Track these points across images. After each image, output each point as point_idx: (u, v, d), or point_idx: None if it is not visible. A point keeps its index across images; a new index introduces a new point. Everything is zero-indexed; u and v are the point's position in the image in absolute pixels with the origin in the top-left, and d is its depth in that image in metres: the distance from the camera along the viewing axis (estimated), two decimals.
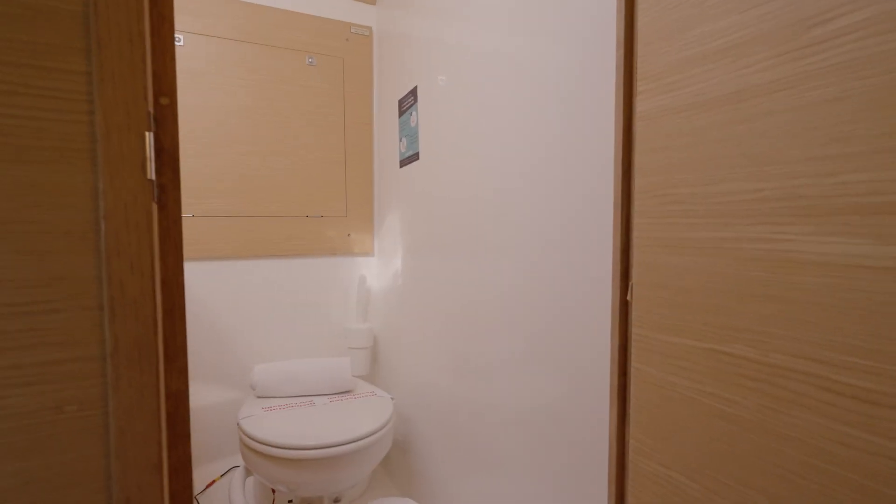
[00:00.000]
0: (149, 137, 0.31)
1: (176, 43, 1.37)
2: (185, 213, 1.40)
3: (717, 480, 0.46)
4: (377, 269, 1.69)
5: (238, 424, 1.15)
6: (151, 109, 0.32)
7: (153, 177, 0.32)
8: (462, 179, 1.10)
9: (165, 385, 0.36)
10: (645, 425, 0.54)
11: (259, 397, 1.34)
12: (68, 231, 0.30)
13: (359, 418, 1.19)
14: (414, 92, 1.37)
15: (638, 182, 0.54)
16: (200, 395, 1.45)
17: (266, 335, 1.54)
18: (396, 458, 1.51)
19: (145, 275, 0.32)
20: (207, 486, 1.39)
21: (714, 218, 0.45)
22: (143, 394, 0.32)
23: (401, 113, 1.48)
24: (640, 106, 0.53)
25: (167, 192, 0.35)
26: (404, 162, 1.45)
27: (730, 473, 0.45)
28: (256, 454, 1.10)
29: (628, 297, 0.56)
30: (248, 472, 1.19)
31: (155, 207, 0.34)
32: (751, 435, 0.43)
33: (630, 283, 0.55)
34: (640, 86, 0.53)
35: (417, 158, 1.36)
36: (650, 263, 0.52)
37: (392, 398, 1.33)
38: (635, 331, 0.55)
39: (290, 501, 1.32)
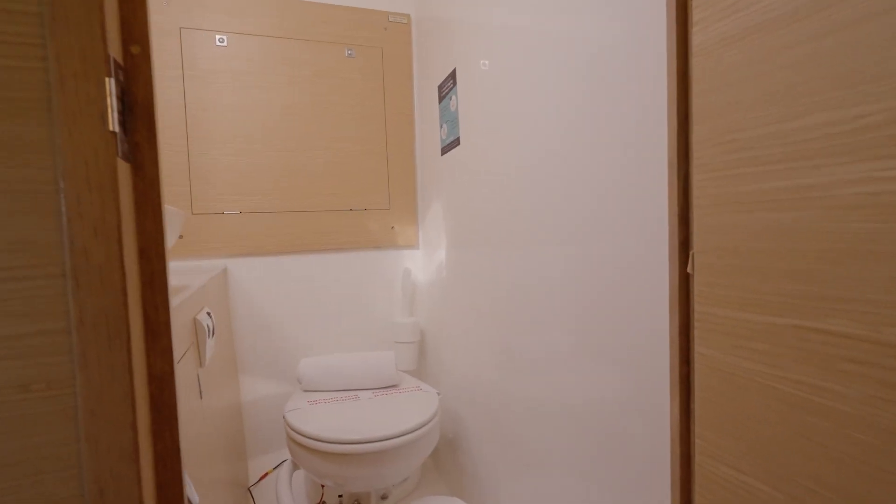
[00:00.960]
0: (110, 84, 0.28)
1: (220, 44, 1.40)
2: (232, 210, 1.43)
3: (807, 490, 0.37)
4: (422, 261, 1.65)
5: (284, 417, 1.15)
6: (116, 57, 0.29)
7: (116, 129, 0.28)
8: (504, 164, 1.03)
9: (148, 366, 0.32)
10: (713, 422, 0.45)
11: (305, 391, 1.34)
12: (27, 191, 0.27)
13: (404, 413, 1.16)
14: (453, 75, 1.32)
15: (697, 131, 0.45)
16: (252, 389, 1.48)
17: (313, 330, 1.54)
18: (446, 456, 1.46)
19: (111, 239, 0.28)
20: (260, 479, 1.41)
21: (795, 161, 0.36)
22: (113, 372, 0.29)
23: (440, 98, 1.43)
24: (696, 38, 0.44)
25: (143, 151, 0.32)
26: (445, 149, 1.40)
27: (824, 481, 0.35)
28: (302, 448, 1.09)
29: (689, 270, 0.47)
30: (295, 466, 1.19)
31: (128, 167, 0.31)
32: (853, 433, 0.33)
33: (690, 253, 0.47)
34: (696, 14, 0.44)
35: (458, 144, 1.30)
36: (714, 226, 0.43)
37: (438, 393, 1.28)
38: (699, 308, 0.46)
39: (339, 497, 1.30)
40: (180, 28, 1.37)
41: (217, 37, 1.40)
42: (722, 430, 0.44)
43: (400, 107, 1.61)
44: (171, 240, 0.74)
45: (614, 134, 0.68)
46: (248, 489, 1.38)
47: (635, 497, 0.68)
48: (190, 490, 0.43)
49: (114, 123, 0.28)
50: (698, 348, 0.46)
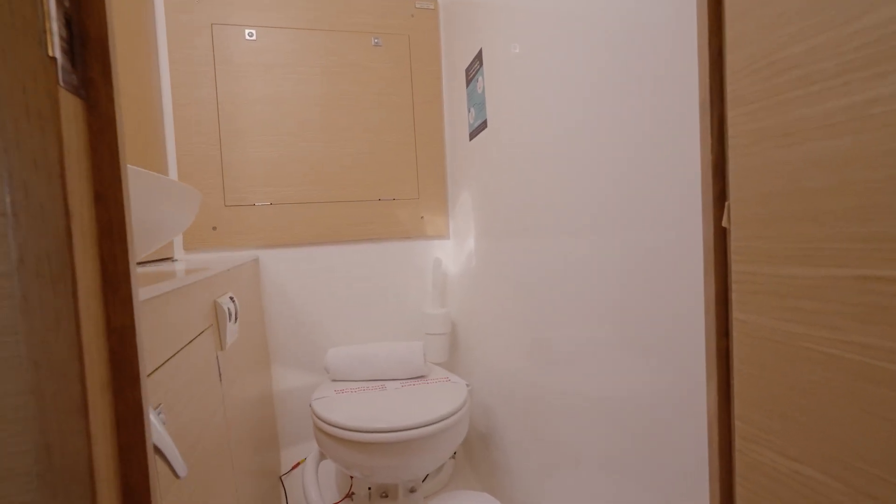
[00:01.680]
0: (48, 5, 0.26)
1: (249, 38, 1.42)
2: (263, 201, 1.44)
3: (873, 479, 0.30)
4: (453, 251, 1.61)
5: (310, 406, 1.14)
6: None
7: (57, 55, 0.26)
8: (532, 147, 0.98)
9: (107, 318, 0.30)
10: (756, 401, 0.38)
11: (333, 381, 1.33)
12: None
13: (431, 403, 1.12)
14: (479, 56, 1.27)
15: (731, 61, 0.39)
16: (284, 379, 1.49)
17: (343, 321, 1.53)
18: (479, 451, 1.41)
19: (53, 175, 0.26)
20: (292, 469, 1.41)
21: (853, 73, 0.29)
22: (59, 320, 0.26)
23: (468, 82, 1.39)
24: None
25: (97, 88, 0.30)
26: (473, 133, 1.36)
27: None
28: (328, 437, 1.07)
29: (724, 223, 0.40)
30: (322, 456, 1.18)
31: (79, 103, 0.29)
32: None
33: (726, 204, 0.40)
34: None
35: (486, 126, 1.26)
36: (754, 168, 0.37)
37: (468, 385, 1.24)
38: (737, 268, 0.39)
39: (369, 489, 1.28)
40: (212, 24, 1.40)
41: (246, 31, 1.42)
42: (767, 409, 0.37)
43: (428, 94, 1.58)
44: (186, 218, 0.73)
45: (648, 114, 0.61)
46: (280, 478, 1.39)
47: (676, 496, 0.61)
48: (175, 461, 0.41)
49: (53, 49, 0.26)
50: (737, 315, 0.40)
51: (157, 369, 0.54)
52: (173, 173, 1.38)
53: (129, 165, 0.56)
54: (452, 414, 1.08)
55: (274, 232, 1.45)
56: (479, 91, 1.29)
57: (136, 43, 1.20)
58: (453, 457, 1.44)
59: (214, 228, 1.40)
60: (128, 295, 0.30)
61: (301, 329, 1.50)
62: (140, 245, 0.64)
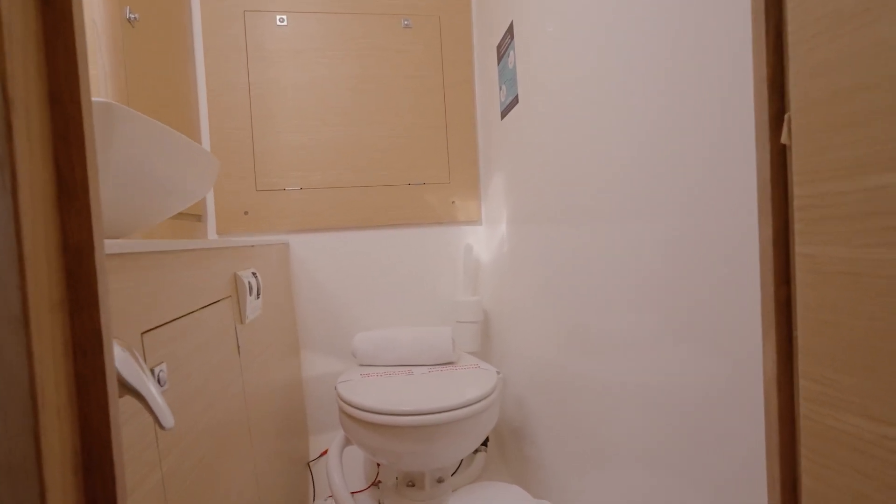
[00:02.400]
0: None
1: (280, 24, 1.43)
2: (293, 186, 1.44)
3: None
4: (485, 237, 1.55)
5: (335, 388, 1.11)
6: None
7: None
8: (567, 123, 0.91)
9: (63, 232, 0.27)
10: (827, 353, 0.31)
11: (360, 365, 1.30)
12: None
13: (458, 388, 1.07)
14: (510, 29, 1.22)
15: None
16: (312, 366, 1.48)
17: (373, 308, 1.51)
18: (511, 445, 1.35)
19: None
20: (320, 455, 1.39)
21: None
22: None
23: (499, 59, 1.34)
24: None
25: None
26: (505, 111, 1.30)
27: None
28: (352, 420, 1.04)
29: (784, 139, 0.33)
30: (348, 441, 1.15)
31: None
32: None
33: (786, 116, 0.33)
34: None
35: (517, 102, 1.20)
36: (823, 62, 0.30)
37: (498, 372, 1.18)
38: (801, 192, 0.32)
39: (396, 478, 1.25)
40: (244, 11, 1.41)
41: (278, 17, 1.43)
42: (843, 362, 0.30)
43: (459, 75, 1.53)
44: (203, 185, 0.72)
45: (701, 85, 0.54)
46: (308, 465, 1.37)
47: (725, 491, 0.53)
48: (158, 409, 0.38)
49: None
50: (802, 249, 0.33)
51: (161, 326, 0.52)
52: None
53: (138, 113, 0.54)
54: (481, 399, 1.02)
55: (303, 217, 1.45)
56: (511, 66, 1.24)
57: (173, 32, 1.23)
58: (485, 450, 1.38)
59: (246, 213, 1.41)
60: (85, 207, 0.27)
61: (330, 315, 1.49)
62: (152, 207, 0.63)
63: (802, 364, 0.34)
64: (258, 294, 0.93)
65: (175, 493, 0.51)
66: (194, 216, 1.31)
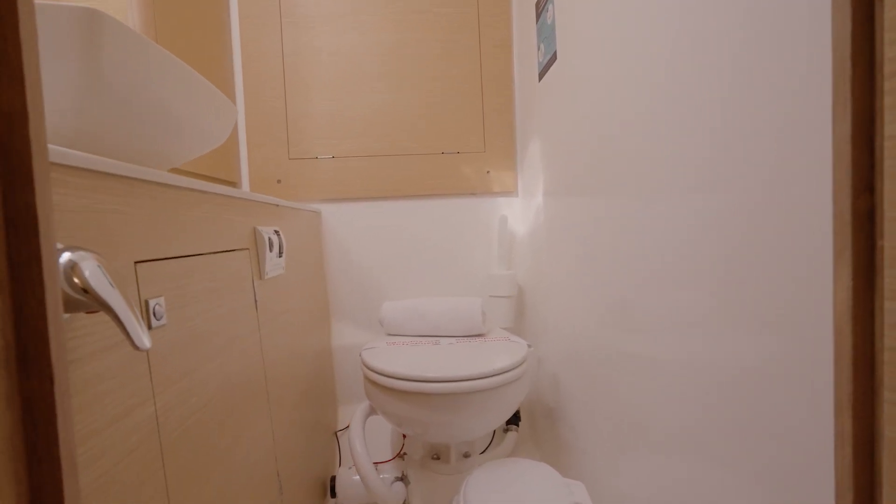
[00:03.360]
0: None
1: None
2: (325, 155, 1.43)
3: None
4: (521, 209, 1.48)
5: (360, 356, 1.09)
6: None
7: None
8: (610, 82, 0.83)
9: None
10: None
11: (388, 335, 1.28)
12: None
13: (486, 357, 1.02)
14: None
15: None
16: (341, 336, 1.46)
17: (404, 280, 1.47)
18: (544, 426, 1.29)
19: None
20: (348, 426, 1.38)
21: None
22: None
23: (538, 15, 1.25)
24: None
25: None
26: (543, 71, 1.22)
27: None
28: (376, 387, 1.02)
29: None
30: (372, 410, 1.12)
31: None
32: None
33: None
34: None
35: (555, 59, 1.12)
36: None
37: (530, 345, 1.12)
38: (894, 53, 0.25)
39: (422, 451, 1.21)
40: None
41: None
42: None
43: (496, 38, 1.46)
44: (220, 127, 0.70)
45: (771, 37, 0.46)
46: (335, 433, 1.37)
47: (779, 488, 0.45)
48: (131, 327, 0.35)
49: None
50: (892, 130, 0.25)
51: (159, 259, 0.50)
52: (242, 127, 1.41)
53: (131, 29, 0.52)
54: (510, 370, 0.96)
55: (335, 186, 1.43)
56: (549, 22, 1.15)
57: (209, 1, 1.23)
58: (516, 429, 1.33)
59: (279, 181, 1.41)
60: (16, 68, 0.24)
61: (361, 286, 1.47)
62: (165, 143, 0.61)
63: (891, 283, 0.26)
64: (280, 252, 0.91)
65: (172, 432, 0.49)
66: (229, 182, 1.32)
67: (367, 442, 1.07)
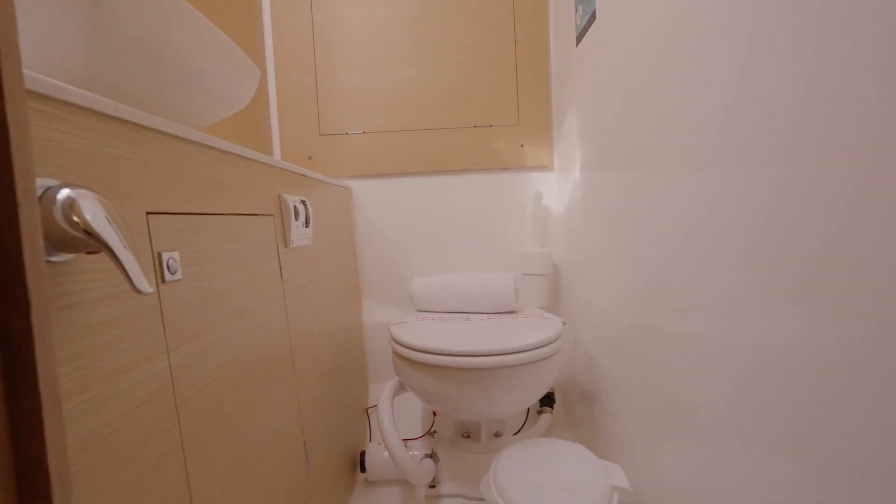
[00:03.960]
0: None
1: None
2: (356, 130, 1.41)
3: None
4: (556, 184, 1.42)
5: (389, 330, 1.07)
6: None
7: None
8: (655, 41, 0.76)
9: None
10: None
11: (418, 311, 1.25)
12: None
13: (517, 332, 0.98)
14: None
15: None
16: (371, 314, 1.45)
17: (435, 257, 1.45)
18: (580, 409, 1.23)
19: None
20: None
21: None
22: None
23: None
24: None
25: None
26: (581, 34, 1.15)
27: None
28: (404, 361, 1.00)
29: None
30: (401, 386, 1.11)
31: None
32: None
33: None
34: None
35: (594, 19, 1.05)
36: None
37: (564, 323, 1.07)
38: None
39: (452, 429, 1.19)
40: None
41: None
42: None
43: (530, 3, 1.39)
44: (241, 88, 0.69)
45: None
46: (366, 410, 1.36)
47: (837, 480, 0.40)
48: (130, 266, 0.33)
49: None
50: None
51: (175, 213, 0.48)
52: (273, 104, 1.41)
53: None
54: (542, 345, 0.92)
55: (366, 162, 1.41)
56: None
57: None
58: (550, 411, 1.28)
59: (310, 158, 1.41)
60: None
61: (392, 264, 1.45)
62: (185, 100, 0.60)
63: None
64: (307, 222, 0.90)
65: (187, 389, 0.48)
66: None
67: (396, 419, 1.06)
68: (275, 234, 0.77)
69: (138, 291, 0.34)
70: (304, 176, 0.96)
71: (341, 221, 1.28)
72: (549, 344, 0.94)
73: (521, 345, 0.90)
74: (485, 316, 1.15)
